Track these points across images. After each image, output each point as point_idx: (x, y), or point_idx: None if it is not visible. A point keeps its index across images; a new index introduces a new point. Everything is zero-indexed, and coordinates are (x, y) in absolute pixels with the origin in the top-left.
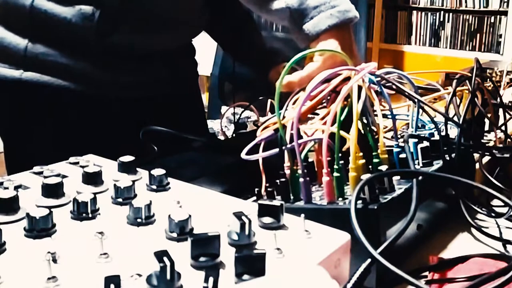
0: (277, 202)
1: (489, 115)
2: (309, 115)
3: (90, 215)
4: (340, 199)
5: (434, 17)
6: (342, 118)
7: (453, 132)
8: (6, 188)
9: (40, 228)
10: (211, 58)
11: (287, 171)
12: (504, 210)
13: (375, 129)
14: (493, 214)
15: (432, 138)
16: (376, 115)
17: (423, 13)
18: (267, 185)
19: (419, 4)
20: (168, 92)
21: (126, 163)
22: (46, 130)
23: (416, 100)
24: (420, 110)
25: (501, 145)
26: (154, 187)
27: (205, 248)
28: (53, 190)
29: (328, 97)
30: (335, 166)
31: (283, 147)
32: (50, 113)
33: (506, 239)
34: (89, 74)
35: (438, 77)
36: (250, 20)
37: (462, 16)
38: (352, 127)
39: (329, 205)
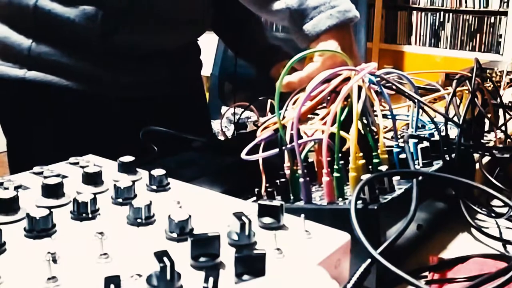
0: (277, 202)
1: (489, 115)
2: (309, 115)
3: (90, 215)
4: (340, 199)
5: (434, 17)
6: (342, 118)
7: (453, 132)
8: (6, 188)
9: (40, 228)
10: (211, 58)
11: (287, 171)
12: (504, 210)
13: (375, 129)
14: (493, 214)
15: (432, 138)
16: (376, 115)
17: (423, 13)
18: (267, 185)
19: (419, 4)
20: (172, 92)
21: (126, 163)
22: (48, 129)
23: (416, 100)
24: (420, 111)
25: (501, 145)
26: (154, 187)
27: (205, 248)
28: (53, 190)
29: (328, 97)
30: (335, 166)
31: (283, 147)
32: (52, 113)
33: (506, 239)
34: (92, 74)
35: (438, 77)
36: (253, 16)
37: (462, 16)
38: (352, 127)
39: (329, 205)
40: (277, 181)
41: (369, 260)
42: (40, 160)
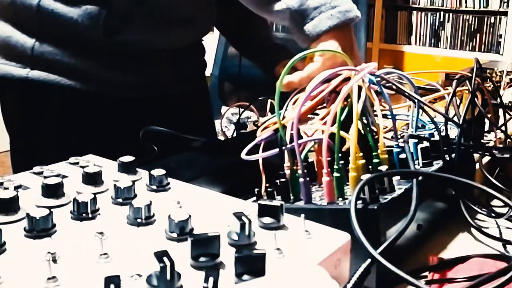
0: (277, 202)
1: (489, 115)
2: (309, 115)
3: (90, 215)
4: (340, 199)
5: (434, 17)
6: (342, 118)
7: (453, 132)
8: (6, 188)
9: (40, 228)
10: (211, 58)
11: (287, 171)
12: (504, 210)
13: (375, 129)
14: (493, 214)
15: (432, 138)
16: (376, 115)
17: (423, 13)
18: (267, 185)
19: (419, 4)
20: (176, 92)
21: (126, 163)
22: (50, 128)
23: (416, 100)
24: (420, 110)
25: (501, 145)
26: (154, 187)
27: (205, 248)
28: (53, 190)
29: (328, 97)
30: (335, 166)
31: (283, 147)
32: (55, 112)
33: (506, 239)
34: (95, 73)
35: (438, 77)
36: (257, 15)
37: (462, 16)
38: (352, 127)
39: (329, 205)
40: (277, 181)
41: (369, 260)
42: (42, 159)
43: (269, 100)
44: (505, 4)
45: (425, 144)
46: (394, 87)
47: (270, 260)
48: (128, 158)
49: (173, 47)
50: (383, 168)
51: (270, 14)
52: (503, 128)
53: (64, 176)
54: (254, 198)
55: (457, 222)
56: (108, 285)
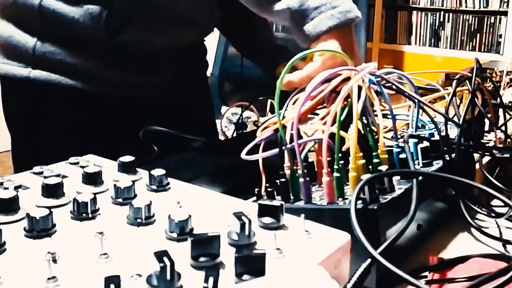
0: (277, 202)
1: (489, 115)
2: (309, 115)
3: (90, 215)
4: (340, 199)
5: (434, 17)
6: (342, 118)
7: (453, 132)
8: (6, 188)
9: (40, 228)
10: (211, 58)
11: (287, 171)
12: (504, 210)
13: (375, 129)
14: (493, 214)
15: (432, 138)
16: (376, 115)
17: (423, 13)
18: (267, 185)
19: (419, 4)
20: (177, 92)
21: (126, 163)
22: (51, 128)
23: (416, 100)
24: (420, 110)
25: (501, 145)
26: (154, 187)
27: (205, 248)
28: (53, 190)
29: (328, 97)
30: (335, 166)
31: (283, 147)
32: (56, 112)
33: (506, 239)
34: (96, 73)
35: (438, 77)
36: (259, 16)
37: (462, 16)
38: (352, 127)
39: (329, 205)
40: (277, 181)
41: (369, 260)
42: (42, 159)
43: (269, 100)
44: (505, 4)
45: (425, 144)
46: (394, 87)
47: (270, 260)
48: (128, 158)
49: (174, 47)
50: (383, 168)
51: (270, 14)
52: (503, 128)
53: (64, 176)
54: (254, 198)
55: (457, 222)
56: (108, 285)
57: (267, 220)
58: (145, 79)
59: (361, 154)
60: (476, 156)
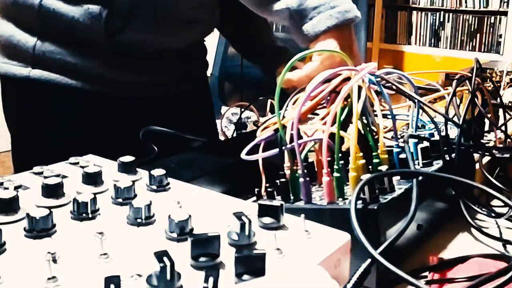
0: (277, 202)
1: (489, 115)
2: (309, 115)
3: (90, 215)
4: (340, 199)
5: (434, 17)
6: (342, 118)
7: (453, 132)
8: (6, 188)
9: (40, 228)
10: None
11: (287, 171)
12: (504, 210)
13: (375, 129)
14: (493, 214)
15: (432, 138)
16: (376, 115)
17: (423, 13)
18: (267, 185)
19: (419, 4)
20: (177, 92)
21: (126, 163)
22: (51, 127)
23: (416, 100)
24: (420, 110)
25: (501, 145)
26: (154, 187)
27: (205, 248)
28: (53, 190)
29: (328, 97)
30: (335, 166)
31: (283, 147)
32: (56, 111)
33: (506, 239)
34: (96, 73)
35: (438, 77)
36: (259, 17)
37: (462, 16)
38: (352, 127)
39: (329, 205)
40: (277, 181)
41: (369, 260)
42: (42, 158)
43: (269, 100)
44: (505, 4)
45: (425, 144)
46: (394, 87)
47: (270, 260)
48: (128, 158)
49: (174, 47)
50: (383, 168)
51: (270, 14)
52: (503, 128)
53: (64, 176)
54: (254, 198)
55: (457, 222)
56: (108, 285)
57: (267, 220)
58: (145, 79)
59: (361, 154)
60: (476, 156)
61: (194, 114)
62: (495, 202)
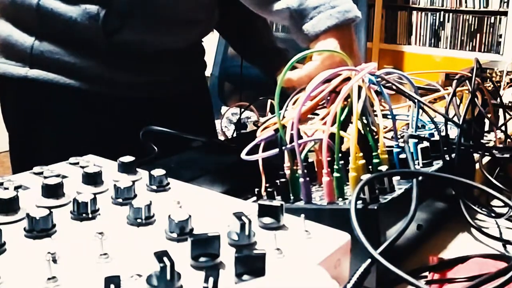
0: (277, 202)
1: (489, 115)
2: (309, 115)
3: (90, 216)
4: (340, 199)
5: (434, 17)
6: (342, 118)
7: (453, 132)
8: (6, 188)
9: (40, 229)
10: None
11: (287, 171)
12: (504, 210)
13: (375, 129)
14: (493, 214)
15: (432, 139)
16: (376, 115)
17: (423, 13)
18: (267, 185)
19: (419, 4)
20: (176, 92)
21: (126, 163)
22: (49, 128)
23: (416, 100)
24: (420, 111)
25: (501, 145)
26: (154, 187)
27: (205, 248)
28: (53, 191)
29: (328, 97)
30: (335, 166)
31: (283, 147)
32: (54, 111)
33: (506, 239)
34: (94, 73)
35: (438, 77)
36: (259, 18)
37: (462, 16)
38: (352, 127)
39: (329, 205)
40: (277, 181)
41: (369, 260)
42: (41, 159)
43: (269, 100)
44: (505, 4)
45: (425, 144)
46: (394, 87)
47: (270, 260)
48: (128, 158)
49: (173, 47)
50: (383, 168)
51: (270, 13)
52: (503, 128)
53: (64, 176)
54: (254, 198)
55: (457, 222)
56: (108, 285)
57: (267, 220)
58: (144, 79)
59: (361, 154)
60: (476, 156)
61: (193, 114)
62: (495, 202)
